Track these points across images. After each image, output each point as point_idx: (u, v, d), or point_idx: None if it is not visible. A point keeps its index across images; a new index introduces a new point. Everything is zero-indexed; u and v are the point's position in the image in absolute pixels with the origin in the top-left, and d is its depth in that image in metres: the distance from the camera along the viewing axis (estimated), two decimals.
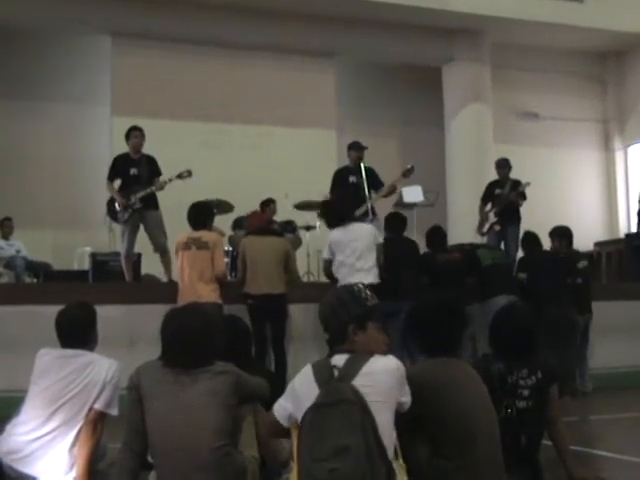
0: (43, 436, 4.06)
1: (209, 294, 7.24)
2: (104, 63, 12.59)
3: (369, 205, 8.95)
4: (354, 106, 13.96)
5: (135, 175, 8.55)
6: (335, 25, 12.86)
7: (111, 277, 8.49)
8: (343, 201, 8.39)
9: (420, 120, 14.36)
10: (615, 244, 12.93)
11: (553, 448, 4.03)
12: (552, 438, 4.02)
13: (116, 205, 8.52)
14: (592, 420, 7.56)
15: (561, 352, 8.16)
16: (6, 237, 10.63)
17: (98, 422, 4.13)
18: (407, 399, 3.18)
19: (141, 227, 8.66)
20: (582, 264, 9.00)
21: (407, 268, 8.01)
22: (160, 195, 8.66)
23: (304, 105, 13.12)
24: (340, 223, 7.81)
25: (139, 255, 9.00)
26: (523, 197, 10.08)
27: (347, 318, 3.21)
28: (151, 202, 8.58)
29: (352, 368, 3.05)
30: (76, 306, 4.38)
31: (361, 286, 3.39)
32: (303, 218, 10.84)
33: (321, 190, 9.81)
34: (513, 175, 10.24)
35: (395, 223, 8.41)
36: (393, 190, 9.39)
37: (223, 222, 9.96)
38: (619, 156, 15.73)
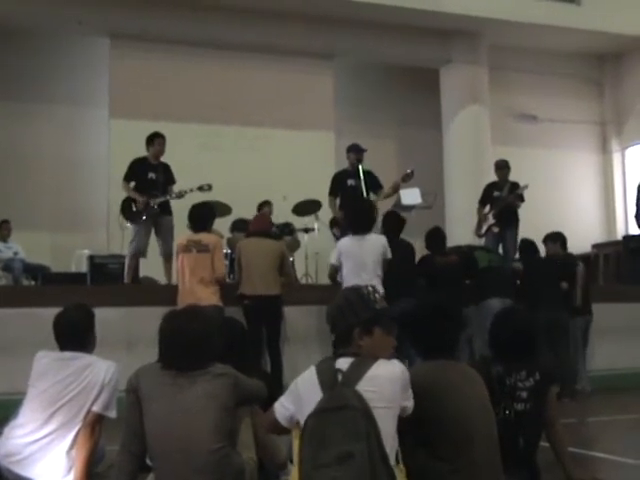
0: (41, 439, 4.06)
1: (209, 297, 7.24)
2: (102, 65, 12.58)
3: None
4: (352, 108, 13.97)
5: (152, 180, 8.77)
6: (333, 27, 12.86)
7: (109, 279, 8.48)
8: (361, 213, 8.23)
9: (418, 122, 14.37)
10: (613, 246, 12.95)
11: (551, 450, 4.03)
12: (550, 440, 4.02)
13: (133, 206, 8.66)
14: (590, 422, 7.57)
15: (558, 354, 8.21)
16: (4, 239, 10.62)
17: (96, 424, 4.13)
18: (410, 403, 3.17)
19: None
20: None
21: (405, 270, 8.01)
22: None
23: (302, 107, 13.11)
24: (354, 233, 7.71)
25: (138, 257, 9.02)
26: (521, 199, 10.09)
27: (354, 321, 3.19)
28: (166, 208, 8.85)
29: (356, 372, 3.02)
30: (74, 308, 4.39)
31: (371, 289, 3.37)
32: (301, 220, 10.84)
33: (319, 192, 9.83)
34: (511, 177, 10.26)
35: (393, 224, 8.33)
36: (392, 193, 9.42)
37: (221, 224, 9.96)
38: (616, 158, 15.74)
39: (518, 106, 15.05)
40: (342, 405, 2.92)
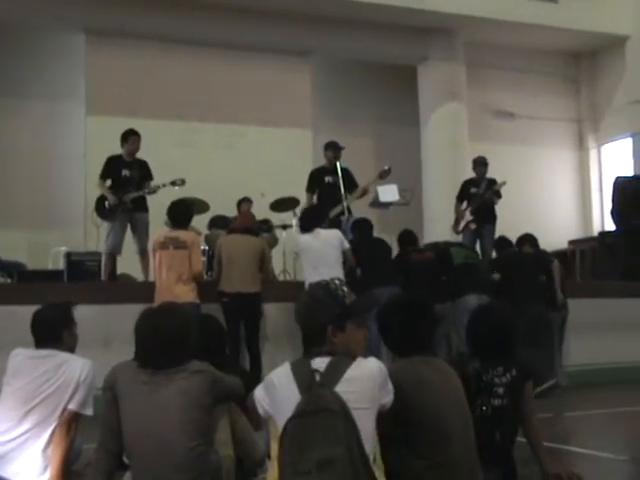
0: (17, 437, 4.03)
1: (187, 294, 7.23)
2: (79, 61, 12.48)
3: (345, 205, 8.99)
4: (329, 105, 13.96)
5: (127, 177, 8.75)
6: (310, 24, 12.83)
7: (86, 277, 8.42)
8: (318, 209, 8.47)
9: (396, 119, 14.38)
10: (589, 242, 13.03)
11: (527, 445, 4.06)
12: (526, 435, 4.04)
13: (106, 203, 8.67)
14: (566, 417, 7.63)
15: (539, 350, 8.26)
16: None
17: (72, 422, 4.11)
18: (389, 398, 3.12)
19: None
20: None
21: (381, 266, 8.06)
22: None
23: (279, 104, 13.09)
24: (309, 230, 7.90)
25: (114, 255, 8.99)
26: (498, 196, 10.14)
27: (325, 318, 3.15)
28: (141, 204, 8.81)
29: (334, 373, 2.97)
30: (50, 307, 4.36)
31: (338, 282, 3.34)
32: (279, 217, 10.84)
33: (297, 189, 9.83)
34: (488, 174, 10.30)
35: (363, 228, 8.54)
36: (362, 195, 9.46)
37: (199, 221, 9.94)
38: (593, 155, 15.85)
39: (495, 103, 15.11)
40: (321, 408, 2.87)
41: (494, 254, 9.61)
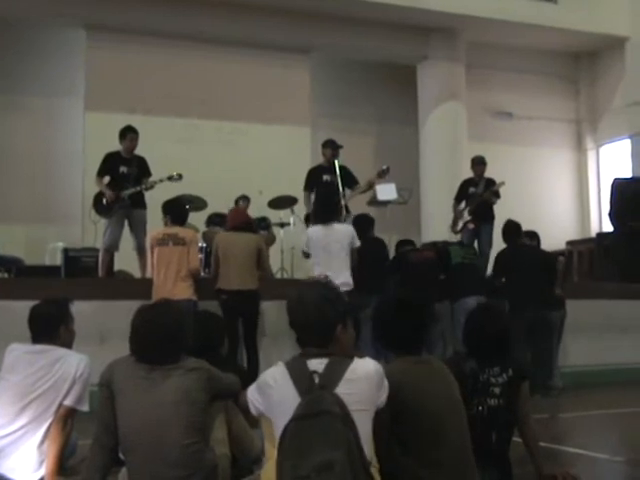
0: (13, 433, 4.03)
1: (184, 291, 7.21)
2: (79, 57, 12.48)
3: (343, 203, 8.98)
4: (329, 103, 13.97)
5: (124, 173, 8.75)
6: (311, 22, 12.84)
7: (83, 273, 8.42)
8: (327, 201, 8.33)
9: (394, 118, 14.40)
10: (586, 243, 13.02)
11: (523, 445, 4.06)
12: (522, 435, 4.03)
13: (104, 200, 8.67)
14: (562, 417, 7.62)
15: (539, 351, 8.26)
16: None
17: (68, 418, 4.10)
18: (384, 396, 3.08)
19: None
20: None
21: (376, 265, 8.06)
22: None
23: (279, 102, 13.09)
24: (322, 222, 7.73)
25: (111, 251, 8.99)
26: (497, 196, 10.15)
27: (337, 316, 3.11)
28: (139, 201, 8.80)
29: (334, 375, 2.92)
30: (47, 302, 4.36)
31: (329, 279, 3.31)
32: (277, 215, 10.84)
33: (295, 187, 9.82)
34: (487, 174, 10.30)
35: (363, 225, 8.43)
36: (367, 189, 9.44)
37: (197, 218, 9.95)
38: (591, 156, 15.87)
39: (494, 103, 15.12)
40: (322, 410, 2.82)
41: (493, 252, 9.56)
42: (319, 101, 13.77)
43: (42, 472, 4.05)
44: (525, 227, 9.33)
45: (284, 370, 2.99)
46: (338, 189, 9.03)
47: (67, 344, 4.31)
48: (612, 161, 15.52)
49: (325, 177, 9.24)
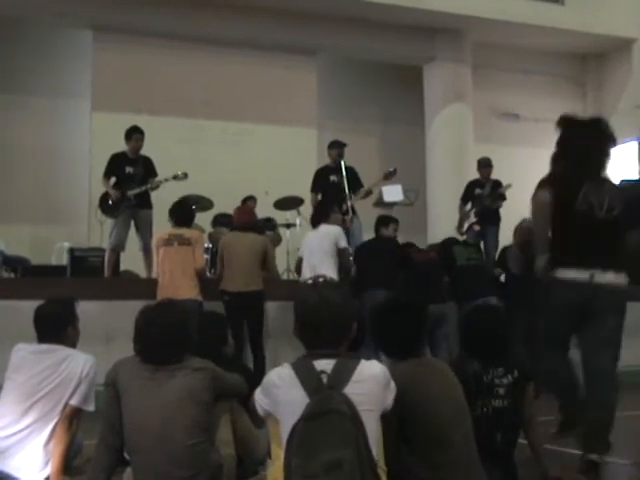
0: (18, 432, 4.04)
1: (189, 291, 7.20)
2: (85, 57, 12.50)
3: (349, 204, 8.98)
4: (335, 104, 13.95)
5: (130, 174, 8.79)
6: (317, 23, 12.83)
7: (89, 273, 8.44)
8: (319, 206, 8.53)
9: (401, 119, 14.38)
10: None
11: (528, 446, 4.05)
12: (527, 437, 4.04)
13: (109, 200, 8.72)
14: None
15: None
16: None
17: (74, 418, 4.12)
18: (391, 397, 3.07)
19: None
20: None
21: (385, 263, 8.06)
22: None
23: (285, 102, 13.09)
24: (313, 227, 7.98)
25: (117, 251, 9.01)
26: (503, 198, 10.14)
27: (354, 316, 3.11)
28: (145, 201, 8.85)
29: (342, 375, 2.91)
30: (53, 302, 4.36)
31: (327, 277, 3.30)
32: (283, 215, 10.83)
33: (301, 188, 9.83)
34: (493, 175, 10.29)
35: (375, 225, 8.50)
36: (365, 196, 9.46)
37: (203, 219, 9.95)
38: None
39: (501, 104, 15.09)
40: (330, 409, 2.81)
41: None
42: (325, 102, 13.76)
43: (48, 471, 4.06)
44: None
45: (290, 371, 2.98)
46: (344, 189, 9.03)
47: (73, 344, 4.33)
48: (619, 163, 15.46)
49: (332, 178, 9.26)
